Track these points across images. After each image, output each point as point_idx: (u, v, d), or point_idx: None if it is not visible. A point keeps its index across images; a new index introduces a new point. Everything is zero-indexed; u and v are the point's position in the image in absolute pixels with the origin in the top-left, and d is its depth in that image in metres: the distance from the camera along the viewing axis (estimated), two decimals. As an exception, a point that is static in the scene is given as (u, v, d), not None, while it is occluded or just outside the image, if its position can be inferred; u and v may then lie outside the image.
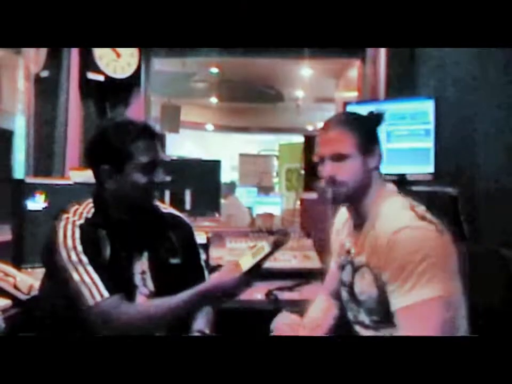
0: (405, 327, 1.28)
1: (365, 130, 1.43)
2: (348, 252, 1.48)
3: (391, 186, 1.47)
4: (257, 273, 1.43)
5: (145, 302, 1.48)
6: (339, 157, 1.39)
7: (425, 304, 1.25)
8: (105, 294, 1.38)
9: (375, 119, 1.48)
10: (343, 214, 1.57)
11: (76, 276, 1.40)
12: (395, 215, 1.35)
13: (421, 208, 1.39)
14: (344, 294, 1.51)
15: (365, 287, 1.40)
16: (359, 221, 1.45)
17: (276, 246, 1.42)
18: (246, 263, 1.42)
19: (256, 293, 1.98)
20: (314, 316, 1.62)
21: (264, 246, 1.42)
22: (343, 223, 1.57)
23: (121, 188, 1.47)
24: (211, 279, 1.46)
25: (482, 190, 2.32)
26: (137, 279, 1.51)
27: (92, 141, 1.53)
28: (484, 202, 2.30)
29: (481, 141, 2.35)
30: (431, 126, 2.36)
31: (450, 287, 1.29)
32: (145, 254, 1.53)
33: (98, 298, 1.38)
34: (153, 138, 1.49)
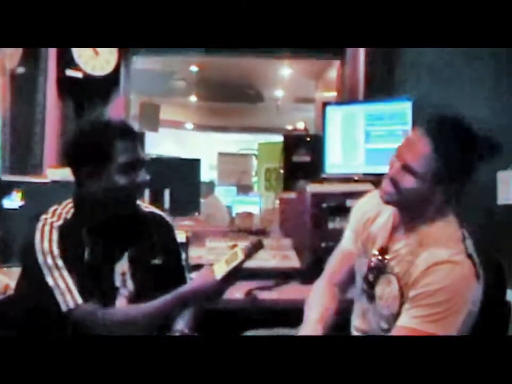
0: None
1: (460, 164, 1.28)
2: (382, 251, 1.43)
3: (449, 213, 1.37)
4: (231, 279, 1.42)
5: (121, 308, 1.46)
6: (407, 168, 1.30)
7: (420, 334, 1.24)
8: (79, 300, 1.37)
9: (487, 148, 1.30)
10: (378, 204, 1.45)
11: (50, 281, 1.38)
12: (445, 243, 1.30)
13: (471, 242, 1.34)
14: (361, 289, 1.48)
15: (387, 293, 1.38)
16: (405, 229, 1.39)
17: (249, 254, 1.41)
18: (220, 270, 1.41)
19: (236, 292, 1.98)
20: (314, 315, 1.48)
21: (238, 252, 1.41)
22: (376, 213, 1.49)
23: (102, 189, 1.44)
24: (187, 285, 1.45)
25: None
26: (118, 280, 1.50)
27: (69, 142, 1.51)
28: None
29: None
30: (409, 127, 2.39)
31: (457, 329, 1.26)
32: (126, 255, 1.52)
33: (71, 305, 1.37)
34: (133, 138, 1.47)
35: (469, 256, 1.29)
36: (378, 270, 1.42)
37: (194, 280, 1.47)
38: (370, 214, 1.51)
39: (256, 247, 1.43)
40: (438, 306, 1.25)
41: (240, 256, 1.40)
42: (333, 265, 1.59)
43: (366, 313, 1.46)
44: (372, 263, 1.44)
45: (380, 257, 1.42)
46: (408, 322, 1.27)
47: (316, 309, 1.48)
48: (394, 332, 1.30)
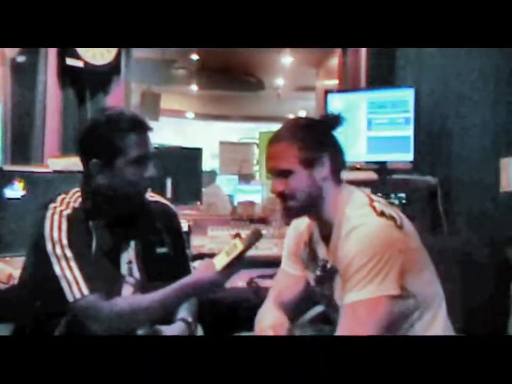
0: (342, 324, 1.26)
1: (311, 140, 1.35)
2: (324, 264, 1.42)
3: (349, 186, 1.41)
4: (232, 270, 1.42)
5: (123, 299, 1.46)
6: (283, 173, 1.35)
7: (367, 303, 1.22)
8: (85, 291, 1.37)
9: (328, 123, 1.41)
10: (298, 224, 1.50)
11: (58, 270, 1.39)
12: (354, 214, 1.31)
13: (381, 203, 1.35)
14: (325, 306, 1.48)
15: (339, 291, 1.35)
16: (326, 229, 1.39)
17: (248, 244, 1.41)
18: (220, 261, 1.41)
19: (238, 280, 1.99)
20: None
21: (237, 243, 1.41)
22: (302, 229, 1.50)
23: (112, 182, 1.44)
24: (189, 277, 1.45)
25: (457, 181, 2.36)
26: (124, 269, 1.51)
27: (82, 134, 1.50)
28: (458, 192, 2.34)
29: (457, 133, 2.39)
30: (411, 115, 2.38)
31: (410, 284, 1.26)
32: (132, 244, 1.53)
33: (77, 295, 1.37)
34: (144, 132, 1.46)
35: (380, 213, 1.29)
36: (330, 278, 1.40)
37: (195, 272, 1.47)
38: (298, 233, 1.52)
39: (255, 237, 1.43)
40: (363, 270, 1.22)
41: (240, 247, 1.40)
42: (278, 287, 1.56)
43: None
44: (320, 276, 1.44)
45: (323, 268, 1.43)
46: (347, 298, 1.25)
47: (267, 320, 1.47)
48: (340, 314, 1.28)
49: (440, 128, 2.47)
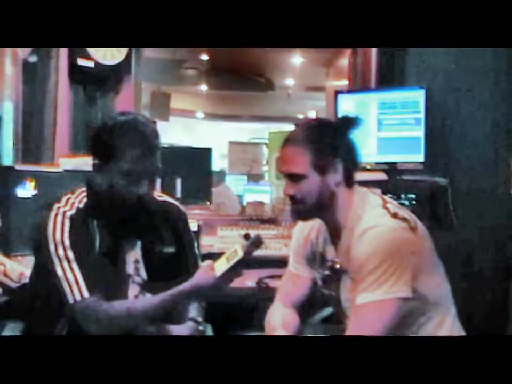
0: (353, 324, 1.27)
1: (325, 145, 1.33)
2: (332, 265, 1.43)
3: (362, 188, 1.41)
4: (231, 276, 1.43)
5: (123, 302, 1.47)
6: (295, 177, 1.34)
7: (379, 305, 1.23)
8: (85, 294, 1.38)
9: (344, 126, 1.39)
10: (306, 224, 1.49)
11: (59, 271, 1.40)
12: (368, 215, 1.31)
13: (394, 205, 1.35)
14: (333, 307, 1.50)
15: (346, 293, 1.37)
16: (336, 230, 1.39)
17: (249, 251, 1.41)
18: (220, 267, 1.42)
19: (247, 280, 1.99)
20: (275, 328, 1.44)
21: (238, 250, 1.41)
22: (309, 231, 1.50)
23: (106, 186, 1.44)
24: (189, 281, 1.45)
25: (458, 181, 2.35)
26: (130, 268, 1.51)
27: (91, 133, 1.52)
28: (459, 193, 2.33)
29: (460, 134, 2.38)
30: (422, 115, 2.37)
31: (420, 286, 1.27)
32: (138, 243, 1.53)
33: (78, 297, 1.38)
34: (148, 148, 1.44)
35: (394, 215, 1.29)
36: (337, 279, 1.41)
37: (195, 276, 1.46)
38: (305, 234, 1.51)
39: (255, 244, 1.43)
40: (376, 271, 1.22)
41: (240, 254, 1.40)
42: (285, 288, 1.56)
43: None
44: (327, 276, 1.45)
45: (331, 269, 1.43)
46: (360, 300, 1.25)
47: (276, 318, 1.47)
48: (352, 316, 1.28)
49: (441, 128, 2.46)
